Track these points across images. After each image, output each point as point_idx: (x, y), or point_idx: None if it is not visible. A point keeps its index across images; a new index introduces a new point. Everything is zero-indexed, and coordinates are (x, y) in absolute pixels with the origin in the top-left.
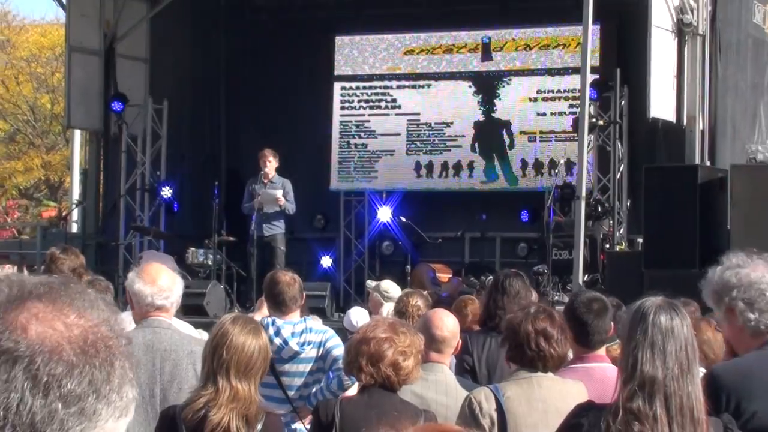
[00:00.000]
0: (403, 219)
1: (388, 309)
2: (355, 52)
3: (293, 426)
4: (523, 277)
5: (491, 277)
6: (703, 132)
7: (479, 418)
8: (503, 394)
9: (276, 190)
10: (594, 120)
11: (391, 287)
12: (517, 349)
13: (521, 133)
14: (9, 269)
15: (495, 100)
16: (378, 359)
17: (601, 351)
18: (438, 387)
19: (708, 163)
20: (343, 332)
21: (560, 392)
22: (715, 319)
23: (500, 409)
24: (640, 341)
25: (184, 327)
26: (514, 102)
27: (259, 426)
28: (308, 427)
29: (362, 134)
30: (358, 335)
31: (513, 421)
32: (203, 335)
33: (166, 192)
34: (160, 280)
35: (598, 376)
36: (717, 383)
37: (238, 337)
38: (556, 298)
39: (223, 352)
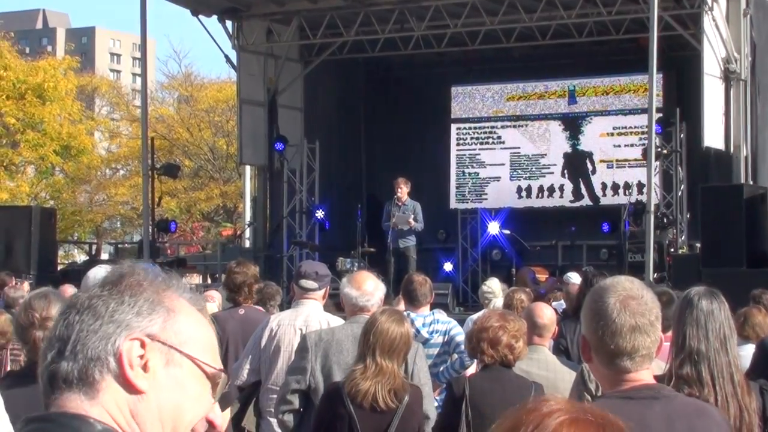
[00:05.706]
0: (508, 232)
1: (497, 303)
2: (468, 100)
3: None
4: (605, 276)
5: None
6: (746, 157)
7: (587, 382)
8: None
9: (408, 213)
10: (659, 149)
11: (493, 283)
12: None
13: (601, 161)
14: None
15: (579, 136)
16: (496, 343)
17: (668, 333)
18: (540, 364)
19: (751, 182)
20: (462, 323)
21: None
22: None
23: None
24: (688, 321)
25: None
26: (595, 137)
27: (407, 397)
28: (437, 397)
29: (474, 165)
30: (476, 326)
31: None
32: None
33: (320, 213)
34: (365, 285)
35: (666, 352)
36: (765, 350)
37: (383, 324)
38: None
39: (371, 336)
